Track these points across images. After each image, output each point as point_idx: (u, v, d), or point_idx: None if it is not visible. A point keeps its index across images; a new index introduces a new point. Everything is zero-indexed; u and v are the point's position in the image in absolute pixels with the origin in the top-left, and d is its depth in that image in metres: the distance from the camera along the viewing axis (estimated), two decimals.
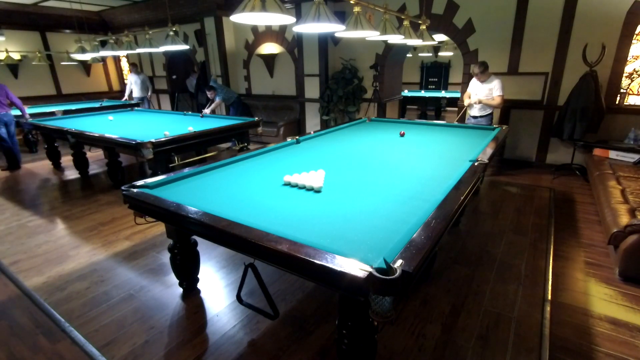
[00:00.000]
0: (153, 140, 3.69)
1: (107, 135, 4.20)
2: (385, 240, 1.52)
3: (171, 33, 4.32)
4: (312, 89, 6.88)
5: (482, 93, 4.61)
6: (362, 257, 1.34)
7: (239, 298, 2.26)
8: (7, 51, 8.25)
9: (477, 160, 2.59)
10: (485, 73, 4.55)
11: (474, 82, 4.75)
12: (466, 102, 4.85)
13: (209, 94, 6.74)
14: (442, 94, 9.50)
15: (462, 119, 5.05)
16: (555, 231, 3.37)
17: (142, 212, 2.08)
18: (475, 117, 4.78)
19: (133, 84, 8.58)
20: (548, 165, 5.22)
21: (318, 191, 2.15)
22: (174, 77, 9.54)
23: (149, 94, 8.69)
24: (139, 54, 9.96)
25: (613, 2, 4.33)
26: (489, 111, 4.71)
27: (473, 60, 5.39)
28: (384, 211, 1.84)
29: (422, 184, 2.24)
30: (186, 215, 1.77)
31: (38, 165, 6.06)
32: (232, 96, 7.07)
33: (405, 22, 3.48)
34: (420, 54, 10.42)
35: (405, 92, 9.13)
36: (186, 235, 2.38)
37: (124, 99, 8.82)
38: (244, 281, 2.18)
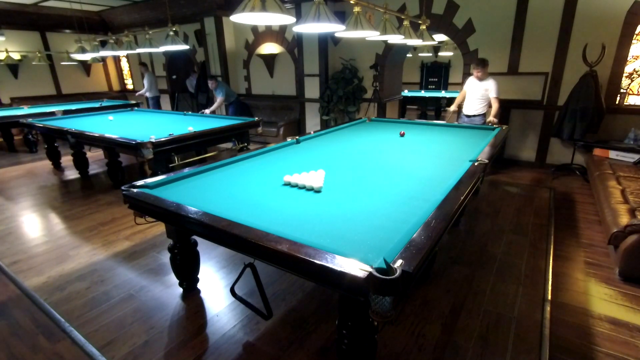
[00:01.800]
0: (153, 140, 3.69)
1: (107, 135, 4.20)
2: (385, 240, 1.51)
3: (171, 33, 4.32)
4: (312, 89, 6.88)
5: (478, 92, 4.65)
6: (362, 257, 1.34)
7: (232, 291, 2.26)
8: (7, 51, 8.25)
9: (477, 161, 2.59)
10: (485, 70, 4.58)
11: (470, 80, 4.78)
12: (452, 109, 4.97)
13: (210, 84, 6.65)
14: (442, 94, 9.49)
15: (453, 120, 5.08)
16: (555, 231, 3.37)
17: (142, 212, 2.08)
18: (469, 116, 4.83)
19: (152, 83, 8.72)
20: (548, 165, 5.22)
21: (318, 191, 2.15)
22: (174, 77, 9.55)
23: (145, 90, 8.74)
24: (139, 54, 9.97)
25: (613, 2, 4.33)
26: (483, 111, 4.75)
27: (473, 60, 5.39)
28: (384, 211, 1.84)
29: (422, 184, 2.24)
30: (186, 215, 1.77)
31: (38, 165, 6.06)
32: (232, 95, 7.08)
33: (405, 22, 3.48)
34: (420, 54, 10.41)
35: (405, 92, 9.12)
36: (186, 235, 2.38)
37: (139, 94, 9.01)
38: (240, 277, 2.18)
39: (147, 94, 8.65)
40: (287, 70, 7.44)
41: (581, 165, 4.91)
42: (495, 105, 4.57)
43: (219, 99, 6.58)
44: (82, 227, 3.66)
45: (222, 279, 2.71)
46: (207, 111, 6.34)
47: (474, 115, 4.76)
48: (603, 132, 4.69)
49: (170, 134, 4.16)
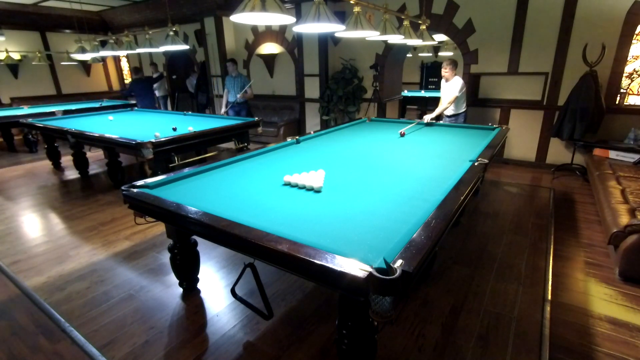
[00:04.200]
0: (153, 140, 3.69)
1: (107, 135, 4.20)
2: (385, 240, 1.52)
3: (171, 33, 4.32)
4: (312, 89, 6.88)
5: (449, 93, 4.64)
6: (362, 257, 1.34)
7: (233, 292, 2.27)
8: (7, 51, 8.25)
9: (477, 161, 2.59)
10: (452, 72, 4.61)
11: (442, 83, 4.86)
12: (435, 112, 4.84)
13: (231, 66, 6.34)
14: None
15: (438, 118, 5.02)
16: (555, 231, 3.37)
17: (142, 212, 2.08)
18: (449, 117, 4.85)
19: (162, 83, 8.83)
20: (548, 165, 5.22)
21: (318, 191, 2.15)
22: (174, 77, 9.56)
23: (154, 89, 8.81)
24: (139, 54, 9.97)
25: (613, 2, 4.33)
26: (461, 109, 4.77)
27: (473, 60, 5.40)
28: (384, 211, 1.84)
29: (422, 184, 2.24)
30: (186, 215, 1.77)
31: (38, 165, 6.06)
32: None
33: (405, 22, 3.48)
34: (420, 54, 10.40)
35: (405, 92, 9.13)
36: (186, 235, 2.38)
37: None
38: (240, 277, 2.18)
39: (157, 93, 8.72)
40: (287, 70, 7.44)
41: (581, 165, 4.91)
42: (444, 104, 4.59)
43: (249, 89, 6.44)
44: (82, 227, 3.66)
45: (222, 279, 2.71)
46: (239, 96, 6.30)
47: (454, 115, 4.81)
48: (603, 132, 4.69)
49: (173, 128, 4.43)
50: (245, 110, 6.68)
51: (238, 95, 6.32)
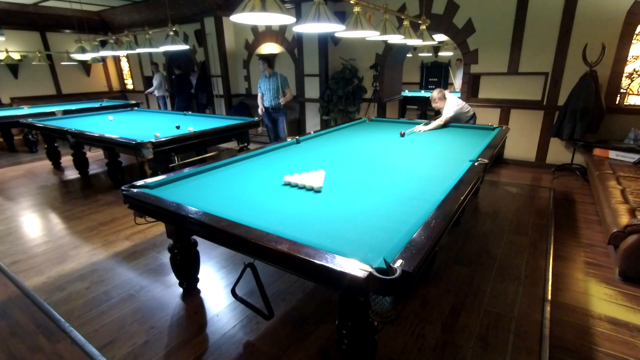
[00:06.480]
0: (153, 140, 3.69)
1: (107, 135, 4.20)
2: (385, 240, 1.51)
3: (171, 33, 4.32)
4: (312, 89, 6.88)
5: (444, 116, 4.30)
6: (362, 257, 1.34)
7: (233, 292, 2.27)
8: (7, 51, 8.25)
9: (477, 160, 2.59)
10: (440, 102, 4.29)
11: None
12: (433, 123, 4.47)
13: (264, 65, 5.42)
14: None
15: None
16: (555, 231, 3.37)
17: (142, 212, 2.08)
18: None
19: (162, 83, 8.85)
20: (548, 165, 5.22)
21: (318, 191, 2.15)
22: (174, 77, 9.55)
23: (153, 88, 8.82)
24: (139, 54, 9.98)
25: (613, 2, 4.33)
26: (469, 114, 4.56)
27: (473, 60, 5.40)
28: (384, 211, 1.84)
29: (422, 184, 2.24)
30: (186, 215, 1.77)
31: (38, 165, 6.06)
32: None
33: (405, 22, 3.48)
34: (420, 54, 10.41)
35: (405, 92, 9.13)
36: (186, 235, 2.38)
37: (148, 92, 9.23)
38: (240, 277, 2.18)
39: (156, 93, 8.74)
40: (287, 70, 7.44)
41: (581, 165, 4.91)
42: (438, 121, 4.21)
43: (287, 90, 5.56)
44: (82, 227, 3.66)
45: (222, 279, 2.71)
46: (281, 99, 5.47)
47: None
48: (603, 132, 4.69)
49: (177, 126, 4.56)
50: (284, 117, 5.75)
51: (281, 100, 5.42)
